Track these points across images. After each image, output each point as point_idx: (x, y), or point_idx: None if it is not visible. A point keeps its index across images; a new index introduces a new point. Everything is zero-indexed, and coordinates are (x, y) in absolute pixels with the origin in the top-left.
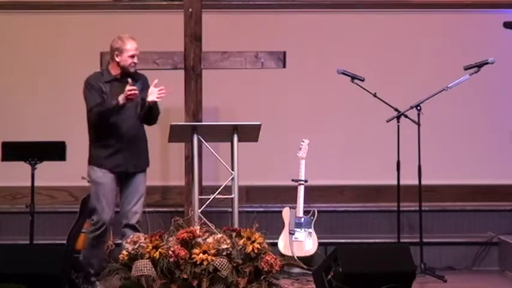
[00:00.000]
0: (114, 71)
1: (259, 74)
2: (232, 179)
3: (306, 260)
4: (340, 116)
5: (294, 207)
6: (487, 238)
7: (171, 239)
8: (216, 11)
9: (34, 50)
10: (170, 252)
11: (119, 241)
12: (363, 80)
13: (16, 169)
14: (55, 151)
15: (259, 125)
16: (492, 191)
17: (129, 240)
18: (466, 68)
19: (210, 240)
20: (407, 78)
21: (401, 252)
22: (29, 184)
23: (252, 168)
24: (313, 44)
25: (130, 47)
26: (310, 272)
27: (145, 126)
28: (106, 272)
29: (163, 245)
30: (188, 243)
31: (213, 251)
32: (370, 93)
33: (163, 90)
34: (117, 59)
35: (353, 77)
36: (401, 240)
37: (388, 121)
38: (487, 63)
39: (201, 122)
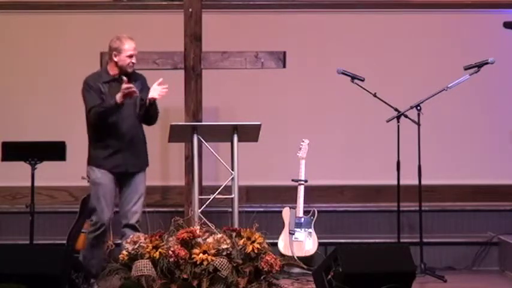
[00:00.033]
0: (113, 71)
1: (259, 74)
2: (232, 179)
3: (306, 260)
4: (340, 116)
5: (294, 207)
6: (487, 238)
7: (171, 239)
8: (216, 11)
9: (34, 50)
10: (170, 252)
11: (119, 241)
12: (363, 80)
13: (16, 169)
14: (55, 151)
15: (259, 125)
16: (492, 191)
17: (129, 240)
18: (466, 68)
19: (210, 240)
20: (407, 78)
21: (401, 252)
22: (29, 184)
23: (252, 168)
24: (313, 44)
25: (128, 47)
26: (310, 272)
27: (145, 126)
28: (106, 272)
29: (163, 245)
30: (188, 243)
31: (213, 251)
32: (370, 93)
33: (166, 88)
34: (115, 59)
35: (353, 77)
36: (401, 240)
37: (388, 121)
38: (487, 63)
39: (201, 122)
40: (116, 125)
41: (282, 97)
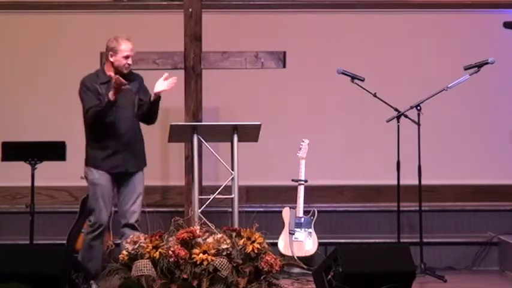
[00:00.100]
0: (109, 72)
1: (259, 74)
2: (232, 179)
3: (306, 260)
4: (340, 116)
5: (294, 207)
6: (487, 238)
7: (171, 239)
8: (216, 11)
9: (34, 50)
10: (170, 252)
11: (119, 241)
12: (363, 80)
13: (16, 169)
14: (55, 151)
15: (259, 125)
16: (492, 191)
17: (129, 240)
18: (466, 68)
19: (210, 240)
20: (407, 78)
21: (401, 252)
22: (29, 184)
23: (252, 168)
24: (313, 44)
25: (124, 47)
26: (310, 272)
27: (145, 126)
28: (106, 272)
29: (163, 245)
30: (188, 243)
31: (213, 251)
32: (370, 93)
33: (174, 80)
34: (111, 59)
35: (353, 77)
36: (401, 240)
37: (388, 121)
38: (487, 63)
39: (201, 122)
40: (114, 125)
41: (282, 97)
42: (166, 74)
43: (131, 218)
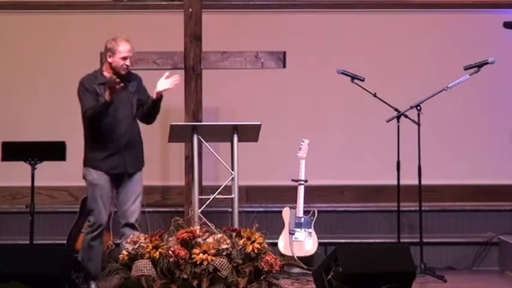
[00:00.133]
0: (108, 72)
1: (259, 74)
2: (232, 179)
3: (306, 260)
4: (340, 116)
5: (294, 207)
6: (487, 238)
7: (171, 239)
8: (216, 11)
9: (34, 50)
10: (170, 252)
11: (119, 241)
12: (363, 80)
13: (16, 169)
14: (55, 151)
15: (259, 125)
16: (492, 191)
17: (129, 240)
18: (466, 68)
19: (210, 240)
20: (407, 78)
21: (401, 252)
22: (29, 184)
23: (252, 168)
24: (313, 44)
25: (123, 48)
26: (310, 272)
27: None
28: (106, 272)
29: (163, 245)
30: (188, 243)
31: (213, 251)
32: (370, 93)
33: (177, 79)
34: (109, 60)
35: (353, 77)
36: (401, 240)
37: (388, 121)
38: (487, 63)
39: (201, 122)
40: (113, 126)
41: (282, 97)
42: (167, 73)
43: (131, 217)
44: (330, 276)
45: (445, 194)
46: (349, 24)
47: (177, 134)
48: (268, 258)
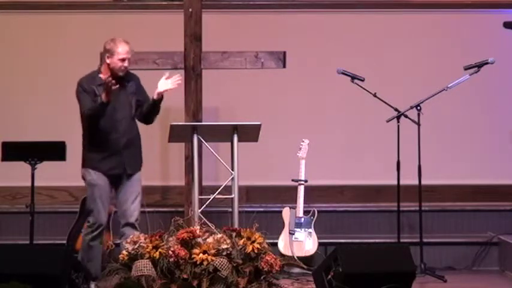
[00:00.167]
0: (106, 73)
1: (259, 74)
2: (232, 179)
3: (306, 260)
4: (340, 116)
5: (294, 207)
6: (487, 238)
7: (171, 239)
8: (216, 11)
9: (34, 50)
10: (170, 252)
11: (119, 241)
12: (363, 80)
13: (16, 169)
14: (55, 151)
15: (259, 125)
16: (492, 191)
17: (129, 240)
18: (466, 68)
19: (210, 240)
20: (407, 78)
21: (401, 252)
22: (29, 184)
23: (252, 168)
24: (313, 44)
25: (121, 50)
26: (310, 272)
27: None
28: (106, 272)
29: (163, 245)
30: (188, 243)
31: (213, 251)
32: (370, 93)
33: (179, 79)
34: (108, 61)
35: (353, 77)
36: (401, 240)
37: (388, 121)
38: (487, 63)
39: (201, 122)
40: (111, 127)
41: (282, 97)
42: (167, 74)
43: (131, 217)
44: (330, 276)
45: (445, 194)
46: (349, 24)
47: (177, 134)
48: (268, 258)
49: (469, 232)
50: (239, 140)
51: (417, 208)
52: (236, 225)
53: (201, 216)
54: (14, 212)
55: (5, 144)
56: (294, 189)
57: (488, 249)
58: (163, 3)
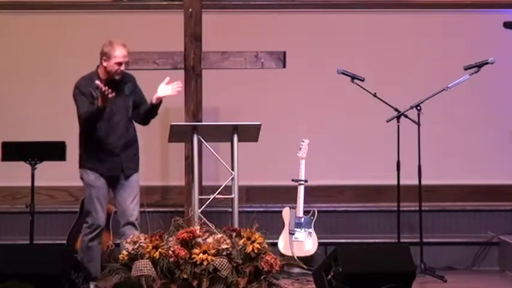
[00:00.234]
0: (103, 76)
1: (259, 74)
2: (232, 179)
3: (306, 260)
4: (340, 116)
5: (294, 207)
6: (487, 238)
7: (171, 239)
8: (216, 11)
9: (34, 50)
10: (170, 252)
11: (119, 241)
12: (363, 80)
13: (16, 169)
14: (55, 151)
15: (259, 125)
16: (492, 191)
17: (129, 240)
18: (466, 68)
19: (210, 240)
20: (407, 78)
21: (401, 252)
22: (29, 184)
23: (252, 168)
24: (313, 44)
25: (118, 53)
26: (310, 272)
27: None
28: (106, 272)
29: (163, 245)
30: (188, 243)
31: (213, 251)
32: (370, 93)
33: (179, 85)
34: (104, 64)
35: (353, 77)
36: (401, 240)
37: (388, 121)
38: (487, 63)
39: (201, 122)
40: (109, 129)
41: (282, 97)
42: (168, 78)
43: (131, 217)
44: (330, 276)
45: (445, 194)
46: (349, 24)
47: (177, 134)
48: (268, 258)
49: (469, 232)
50: (239, 140)
51: (417, 208)
52: (236, 225)
53: (201, 216)
54: (14, 212)
55: (5, 144)
56: (294, 189)
57: (488, 249)
58: (163, 3)
